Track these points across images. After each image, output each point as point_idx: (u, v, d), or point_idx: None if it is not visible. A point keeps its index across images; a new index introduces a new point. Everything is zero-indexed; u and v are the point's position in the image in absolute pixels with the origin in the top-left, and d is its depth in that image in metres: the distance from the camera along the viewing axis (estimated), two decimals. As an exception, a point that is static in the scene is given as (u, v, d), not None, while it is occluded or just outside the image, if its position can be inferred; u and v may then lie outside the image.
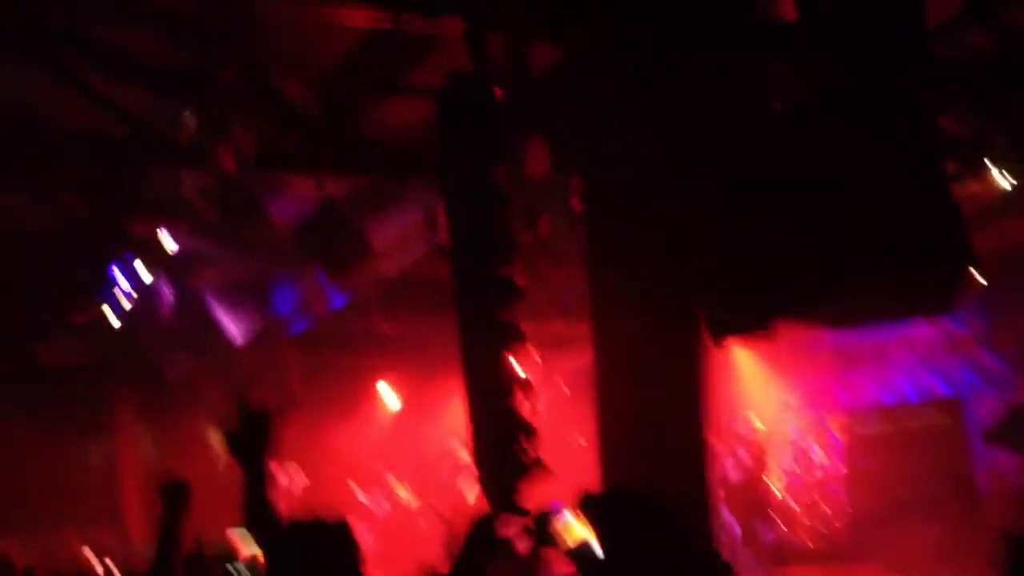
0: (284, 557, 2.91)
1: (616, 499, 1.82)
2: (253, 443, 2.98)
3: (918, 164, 5.47)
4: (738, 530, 10.06)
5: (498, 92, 7.29)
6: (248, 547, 3.46)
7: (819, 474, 10.87)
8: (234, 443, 3.00)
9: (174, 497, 3.95)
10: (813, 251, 5.55)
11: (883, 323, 9.55)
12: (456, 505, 12.38)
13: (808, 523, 10.26)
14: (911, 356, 11.13)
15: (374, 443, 15.34)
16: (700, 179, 6.02)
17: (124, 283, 10.42)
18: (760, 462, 10.47)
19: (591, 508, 1.79)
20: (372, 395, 15.69)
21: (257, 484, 2.96)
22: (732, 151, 5.91)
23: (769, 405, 11.82)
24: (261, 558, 3.39)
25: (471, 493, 12.21)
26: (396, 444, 15.27)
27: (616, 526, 1.75)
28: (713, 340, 5.87)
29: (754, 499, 10.06)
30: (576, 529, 1.82)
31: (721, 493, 10.43)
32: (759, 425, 11.13)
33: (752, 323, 5.76)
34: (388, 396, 15.74)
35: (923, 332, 10.79)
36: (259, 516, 2.94)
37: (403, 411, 15.65)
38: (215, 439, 17.33)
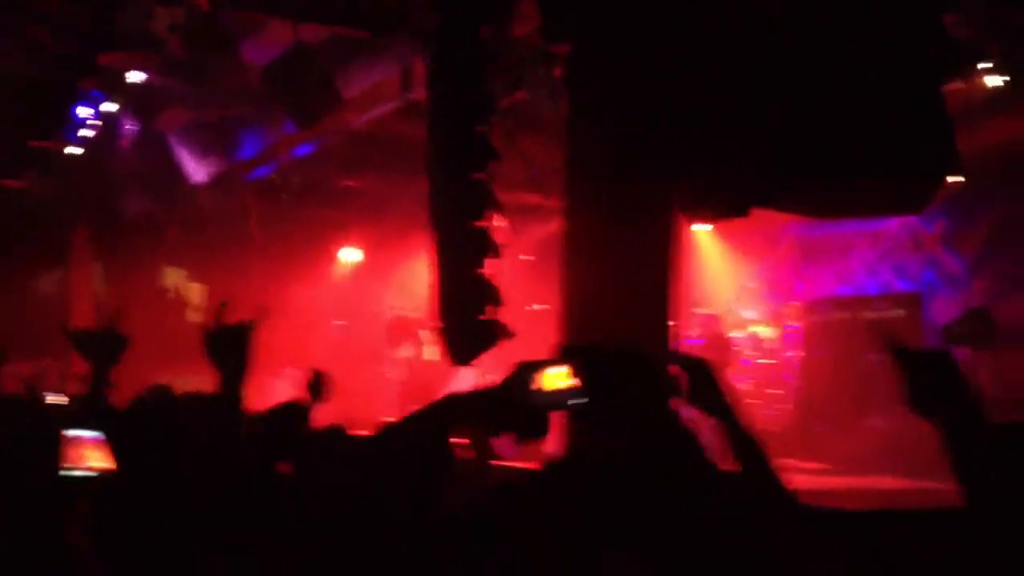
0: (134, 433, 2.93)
1: (598, 349, 1.88)
2: (230, 350, 2.93)
3: (912, 64, 5.44)
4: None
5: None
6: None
7: (773, 360, 11.08)
8: (211, 348, 2.94)
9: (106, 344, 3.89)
10: (798, 142, 5.55)
11: (859, 218, 9.61)
12: (412, 362, 12.53)
13: (759, 406, 10.48)
14: (873, 251, 11.25)
15: (330, 295, 15.36)
16: (689, 62, 5.94)
17: (88, 115, 10.17)
18: (724, 351, 10.63)
19: (573, 357, 1.85)
20: (331, 247, 15.63)
21: (230, 388, 2.91)
22: (725, 36, 5.82)
23: (729, 291, 11.96)
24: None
25: (429, 350, 12.33)
26: (353, 298, 15.30)
27: (599, 374, 1.79)
28: (688, 221, 5.88)
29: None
30: (557, 377, 1.89)
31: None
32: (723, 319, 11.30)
33: (729, 208, 5.79)
34: (347, 250, 15.69)
35: (887, 227, 10.89)
36: (227, 416, 2.91)
37: (362, 266, 15.63)
38: (169, 279, 17.31)
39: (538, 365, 1.89)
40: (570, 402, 1.83)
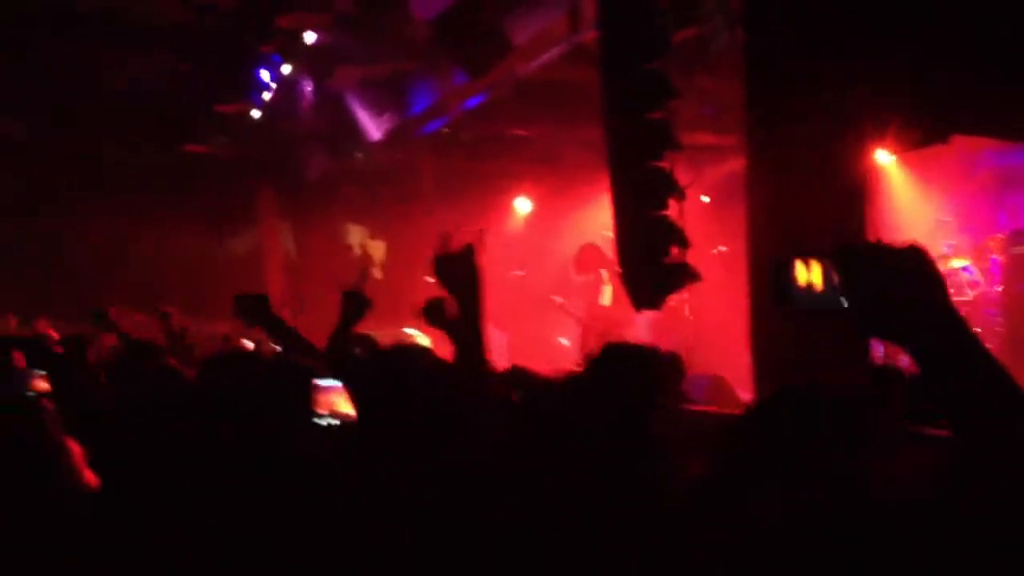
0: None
1: (868, 244, 1.61)
2: (460, 277, 2.95)
3: None
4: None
5: None
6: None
7: (972, 295, 10.50)
8: (441, 274, 2.97)
9: (356, 304, 4.07)
10: (999, 61, 5.14)
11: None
12: (590, 307, 12.47)
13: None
14: (1078, 178, 10.51)
15: (507, 246, 15.44)
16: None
17: (267, 77, 10.46)
18: None
19: (839, 257, 1.60)
20: (505, 199, 15.70)
21: (470, 313, 2.93)
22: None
23: (923, 224, 11.36)
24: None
25: (606, 295, 12.24)
26: (528, 247, 15.34)
27: (867, 272, 1.56)
28: (889, 151, 5.55)
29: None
30: (811, 275, 1.65)
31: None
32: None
33: (929, 135, 5.44)
34: (520, 199, 15.74)
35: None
36: (470, 347, 2.91)
37: (535, 215, 15.65)
38: (352, 237, 17.79)
39: (796, 261, 1.68)
40: (833, 303, 1.61)
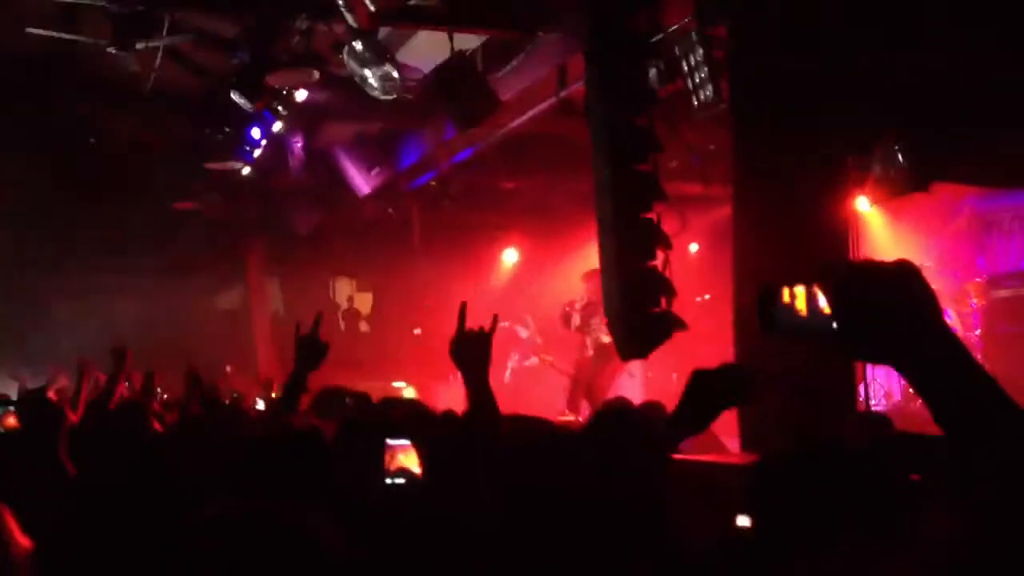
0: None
1: (860, 265, 1.53)
2: (473, 356, 3.20)
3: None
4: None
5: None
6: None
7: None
8: (457, 354, 3.24)
9: (310, 349, 4.11)
10: (976, 109, 5.30)
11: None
12: (577, 359, 12.53)
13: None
14: (1057, 222, 10.68)
15: (494, 298, 15.52)
16: (858, 30, 5.75)
17: (257, 135, 10.56)
18: None
19: (830, 277, 1.53)
20: (492, 250, 15.81)
21: (479, 396, 3.10)
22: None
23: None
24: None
25: (595, 345, 12.31)
26: (516, 299, 15.43)
27: (858, 297, 1.49)
28: (870, 200, 5.69)
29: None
30: (797, 301, 1.60)
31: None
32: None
33: (909, 183, 5.58)
34: (508, 252, 15.84)
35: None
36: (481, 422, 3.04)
37: (523, 267, 15.75)
38: (339, 291, 17.82)
39: (783, 287, 1.62)
40: (821, 327, 1.54)
